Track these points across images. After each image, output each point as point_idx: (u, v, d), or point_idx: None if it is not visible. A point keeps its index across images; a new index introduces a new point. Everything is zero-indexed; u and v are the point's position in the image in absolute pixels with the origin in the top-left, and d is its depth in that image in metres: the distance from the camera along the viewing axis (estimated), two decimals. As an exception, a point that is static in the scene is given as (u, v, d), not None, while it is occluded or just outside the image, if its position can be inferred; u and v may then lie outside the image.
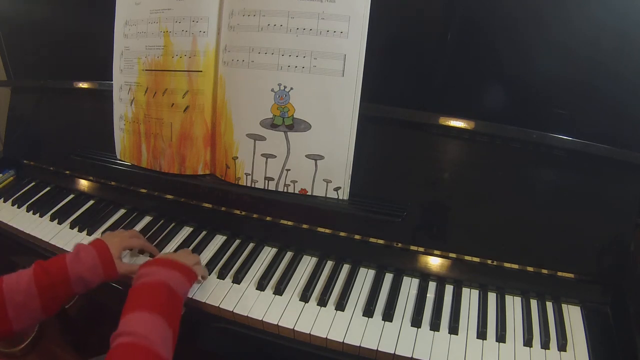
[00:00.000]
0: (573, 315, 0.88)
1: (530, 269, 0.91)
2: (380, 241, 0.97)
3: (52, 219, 1.17)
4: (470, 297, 0.92)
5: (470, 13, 0.89)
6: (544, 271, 0.90)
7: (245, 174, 1.00)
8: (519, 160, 0.90)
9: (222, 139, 1.01)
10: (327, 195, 0.98)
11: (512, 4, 0.86)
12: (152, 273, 0.81)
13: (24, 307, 0.79)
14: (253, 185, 1.01)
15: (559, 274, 0.90)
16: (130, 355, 0.68)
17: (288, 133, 0.95)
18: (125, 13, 1.08)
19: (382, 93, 0.94)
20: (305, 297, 0.91)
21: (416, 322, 0.86)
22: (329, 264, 1.00)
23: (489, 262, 0.92)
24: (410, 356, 0.80)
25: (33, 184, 1.33)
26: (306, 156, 0.96)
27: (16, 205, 1.24)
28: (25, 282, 0.80)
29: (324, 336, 0.83)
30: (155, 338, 0.70)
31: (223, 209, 1.07)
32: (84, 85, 1.21)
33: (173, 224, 1.13)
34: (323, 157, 0.95)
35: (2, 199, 1.27)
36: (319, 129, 0.94)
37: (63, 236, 1.11)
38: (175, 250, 1.03)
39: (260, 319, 0.87)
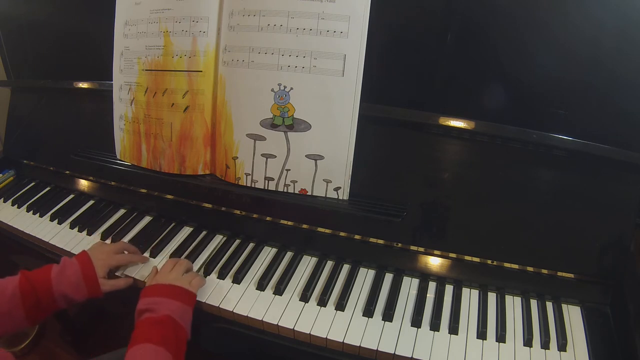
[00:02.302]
0: (573, 315, 0.88)
1: (530, 269, 0.91)
2: (380, 241, 0.97)
3: (52, 219, 1.17)
4: (470, 297, 0.92)
5: (470, 13, 0.89)
6: (544, 271, 0.90)
7: (245, 174, 1.00)
8: (519, 160, 0.90)
9: (222, 139, 1.01)
10: (327, 195, 0.98)
11: (512, 4, 0.86)
12: (156, 307, 0.81)
13: (8, 315, 0.79)
14: (253, 185, 1.01)
15: (559, 274, 0.90)
16: None
17: (288, 133, 0.95)
18: (125, 13, 1.08)
19: (382, 93, 0.94)
20: (305, 297, 0.91)
21: (416, 322, 0.86)
22: (329, 264, 1.00)
23: (489, 262, 0.92)
24: (410, 356, 0.80)
25: (33, 184, 1.34)
26: (306, 156, 0.96)
27: (16, 205, 1.24)
28: (10, 291, 0.80)
29: (324, 336, 0.83)
30: None
31: (223, 209, 1.07)
32: (84, 85, 1.21)
33: (173, 224, 1.13)
34: (323, 157, 0.95)
35: (2, 199, 1.27)
36: (319, 129, 0.94)
37: (63, 236, 1.11)
38: (172, 256, 1.02)
39: (260, 319, 0.87)
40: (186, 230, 1.11)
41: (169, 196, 1.13)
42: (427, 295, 0.92)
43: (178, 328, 0.80)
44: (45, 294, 0.83)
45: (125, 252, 0.99)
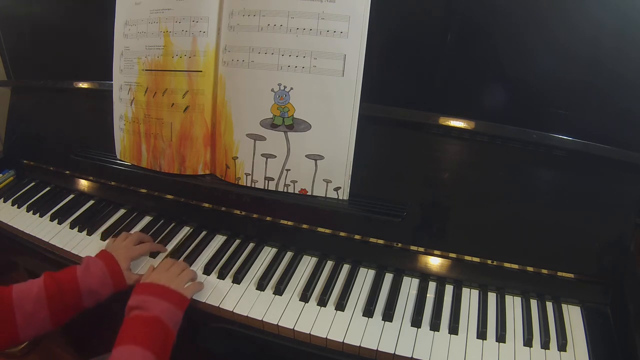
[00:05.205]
0: (573, 315, 0.88)
1: (530, 269, 0.91)
2: (380, 241, 0.97)
3: (52, 219, 1.17)
4: (470, 297, 0.92)
5: (470, 13, 0.89)
6: (544, 271, 0.90)
7: (245, 174, 1.00)
8: (519, 160, 0.90)
9: (222, 139, 1.01)
10: (327, 195, 0.98)
11: (512, 4, 0.86)
12: (146, 306, 0.81)
13: (33, 316, 0.80)
14: (253, 185, 1.01)
15: (559, 274, 0.90)
16: None
17: (288, 133, 0.95)
18: (125, 13, 1.08)
19: (382, 93, 0.94)
20: (305, 297, 0.91)
21: (416, 322, 0.86)
22: (329, 264, 1.00)
23: (489, 262, 0.92)
24: (410, 356, 0.80)
25: (33, 184, 1.34)
26: (306, 156, 0.96)
27: (16, 205, 1.24)
28: (35, 291, 0.81)
29: (324, 336, 0.83)
30: None
31: (223, 209, 1.07)
32: (84, 85, 1.21)
33: (173, 224, 1.13)
34: (323, 157, 0.95)
35: (2, 199, 1.27)
36: (319, 129, 0.94)
37: (63, 236, 1.11)
38: (171, 256, 1.02)
39: (260, 319, 0.87)
40: (186, 230, 1.11)
41: (169, 196, 1.13)
42: (427, 295, 0.92)
43: (166, 330, 0.80)
44: (71, 292, 0.84)
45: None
